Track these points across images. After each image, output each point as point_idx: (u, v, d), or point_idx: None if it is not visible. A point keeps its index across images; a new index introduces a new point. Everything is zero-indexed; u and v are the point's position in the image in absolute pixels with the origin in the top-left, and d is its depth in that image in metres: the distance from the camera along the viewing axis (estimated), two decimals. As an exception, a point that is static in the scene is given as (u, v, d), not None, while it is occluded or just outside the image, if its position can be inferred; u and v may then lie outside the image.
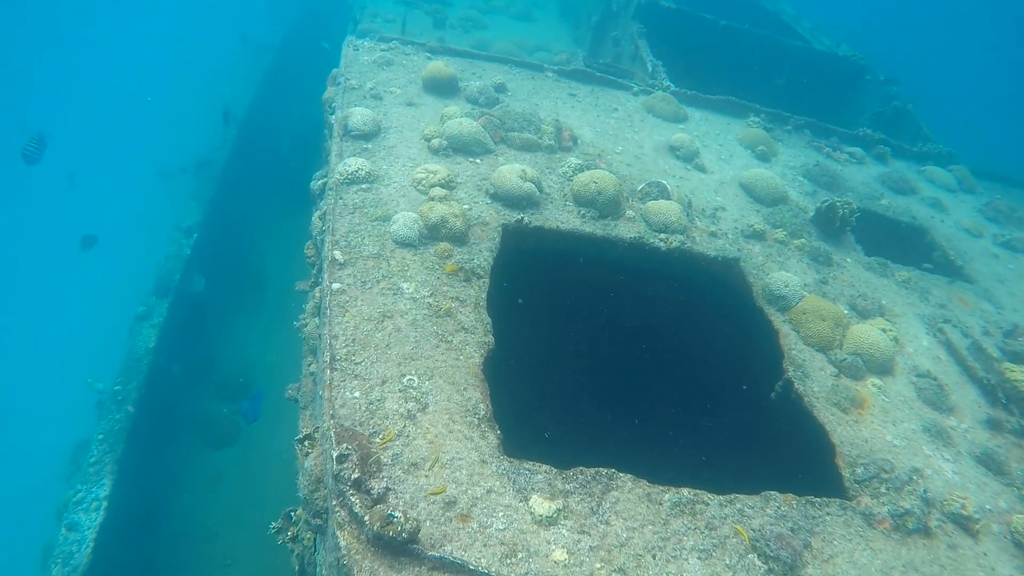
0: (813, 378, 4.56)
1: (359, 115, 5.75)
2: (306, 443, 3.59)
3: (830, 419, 4.25)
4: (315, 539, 3.65)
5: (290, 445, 4.17)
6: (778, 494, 3.62)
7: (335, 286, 4.14)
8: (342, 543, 2.91)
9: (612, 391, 5.45)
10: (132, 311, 9.68)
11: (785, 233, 6.05)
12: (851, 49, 11.45)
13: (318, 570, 3.54)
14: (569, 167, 5.93)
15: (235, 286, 12.46)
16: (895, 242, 6.80)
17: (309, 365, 4.81)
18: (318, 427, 3.68)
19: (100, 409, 8.23)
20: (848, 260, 6.05)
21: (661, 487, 3.50)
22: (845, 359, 4.70)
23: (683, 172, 6.69)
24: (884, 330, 5.00)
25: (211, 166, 13.03)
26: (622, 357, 5.64)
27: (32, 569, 7.04)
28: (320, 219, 4.94)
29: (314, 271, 5.21)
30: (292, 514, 4.42)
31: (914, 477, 3.84)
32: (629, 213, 5.61)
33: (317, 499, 3.30)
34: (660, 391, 5.54)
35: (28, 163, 7.34)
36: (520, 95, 7.23)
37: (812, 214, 6.40)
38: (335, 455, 3.08)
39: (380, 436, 3.31)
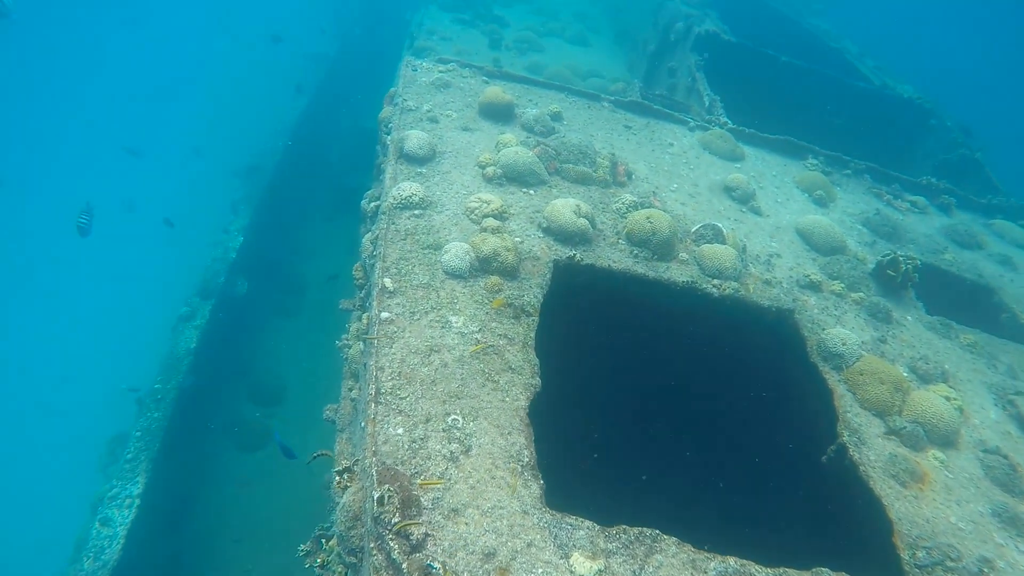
0: (869, 445, 4.34)
1: (415, 139, 5.75)
2: (345, 476, 3.54)
3: (887, 492, 4.03)
4: (347, 573, 3.59)
5: (319, 457, 4.15)
6: (830, 573, 3.42)
7: (384, 315, 4.11)
8: (378, 590, 2.84)
9: (658, 442, 5.29)
10: (177, 310, 9.88)
11: (842, 285, 5.83)
12: (916, 91, 11.13)
13: (348, 608, 3.48)
14: (623, 204, 5.84)
15: (275, 291, 12.66)
16: (959, 301, 6.51)
17: (350, 389, 4.78)
18: (358, 460, 3.63)
19: (140, 406, 8.38)
20: (908, 318, 5.80)
21: (706, 554, 3.34)
22: (905, 427, 4.47)
23: (738, 214, 6.52)
24: (948, 398, 4.75)
25: (261, 172, 13.31)
26: (669, 406, 5.48)
27: (64, 560, 7.13)
28: (372, 243, 4.94)
29: (361, 293, 5.21)
30: (323, 540, 4.39)
31: (984, 569, 3.60)
32: (682, 255, 5.48)
33: (353, 537, 3.24)
34: (707, 444, 5.36)
35: (82, 235, 8.05)
36: (575, 125, 7.18)
37: (872, 267, 6.16)
38: (376, 496, 3.02)
39: (423, 477, 3.25)
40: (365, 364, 4.03)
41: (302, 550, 4.60)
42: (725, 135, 7.75)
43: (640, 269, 5.21)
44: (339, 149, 15.66)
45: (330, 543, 3.77)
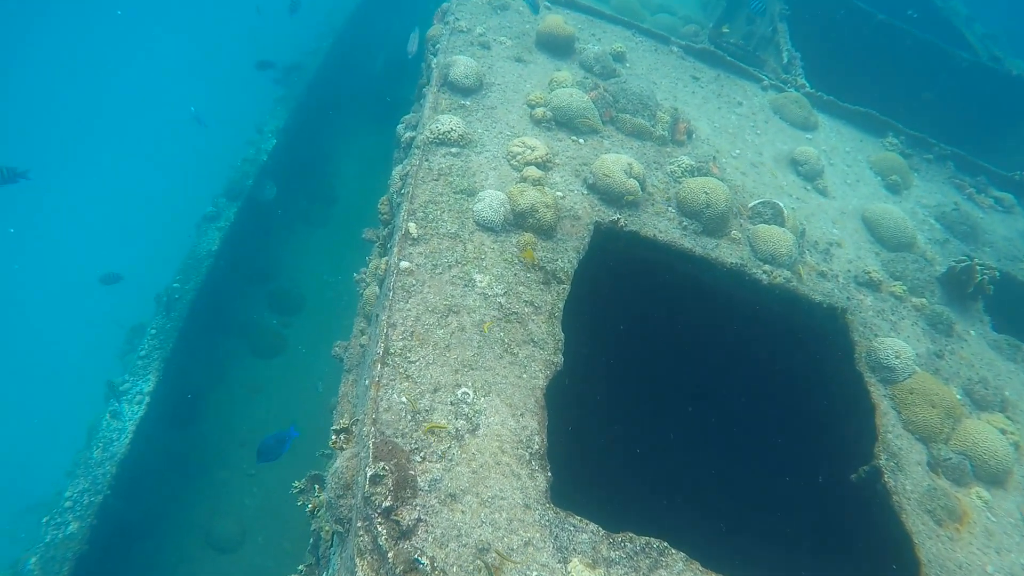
0: (907, 473, 4.00)
1: (462, 66, 5.23)
2: (342, 436, 3.32)
3: (920, 528, 3.71)
4: (333, 536, 3.44)
5: (326, 377, 3.91)
6: (846, 612, 3.17)
7: (403, 264, 3.78)
8: (359, 573, 2.65)
9: (679, 440, 5.00)
10: (201, 209, 9.67)
11: (904, 288, 5.32)
12: None
13: (331, 570, 3.34)
14: (679, 167, 5.31)
15: (304, 199, 12.37)
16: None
17: (362, 332, 4.52)
18: (357, 420, 3.40)
19: (157, 303, 8.32)
20: (972, 333, 5.30)
21: (714, 575, 3.10)
22: (950, 458, 4.10)
23: (802, 192, 5.94)
24: (1003, 431, 4.35)
25: (302, 72, 12.71)
26: (697, 400, 5.14)
27: (77, 447, 7.30)
28: (401, 178, 4.54)
29: (384, 231, 4.86)
30: (316, 487, 4.26)
31: (1015, 637, 3.31)
32: (735, 233, 5.00)
33: (342, 506, 3.05)
34: (732, 446, 5.05)
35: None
36: (638, 69, 6.52)
37: (941, 270, 5.61)
38: (369, 474, 2.78)
39: (429, 421, 3.05)
40: (377, 315, 3.74)
41: (296, 487, 4.50)
42: (800, 100, 7.01)
43: (687, 243, 4.76)
44: (386, 58, 14.89)
45: (323, 496, 3.61)
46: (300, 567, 4.27)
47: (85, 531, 6.17)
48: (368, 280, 4.80)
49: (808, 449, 4.57)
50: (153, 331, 7.86)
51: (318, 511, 3.89)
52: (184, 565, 7.55)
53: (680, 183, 5.16)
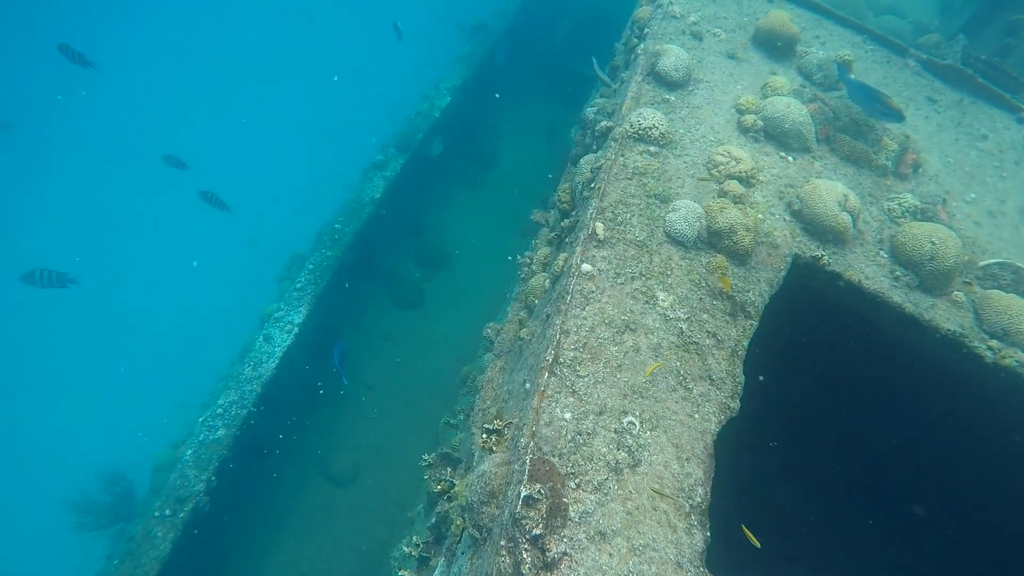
0: None
1: (673, 57, 4.81)
2: (493, 437, 3.19)
3: None
4: (463, 533, 3.35)
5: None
6: None
7: (585, 267, 3.54)
8: (497, 595, 2.52)
9: (857, 525, 4.43)
10: (372, 156, 10.02)
11: None
12: None
13: (457, 570, 3.26)
14: (900, 206, 4.60)
15: (466, 159, 12.51)
16: None
17: (520, 321, 4.37)
18: (511, 424, 3.25)
19: (318, 240, 8.77)
20: None
21: None
22: None
23: (1048, 257, 4.98)
24: None
25: (486, 32, 12.70)
26: (883, 481, 4.52)
27: (229, 361, 7.95)
28: (592, 170, 4.27)
29: (563, 221, 4.64)
30: (448, 471, 4.22)
31: None
32: (957, 295, 4.26)
33: (484, 514, 2.92)
34: (915, 551, 4.40)
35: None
36: (865, 81, 5.72)
37: None
38: (523, 494, 2.61)
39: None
40: (548, 316, 3.54)
41: (426, 460, 4.50)
42: (1062, 143, 5.86)
43: (896, 297, 4.12)
44: (568, 26, 14.56)
45: (456, 488, 3.52)
46: (416, 539, 4.29)
47: (229, 439, 6.70)
48: (535, 268, 4.63)
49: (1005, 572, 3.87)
50: (311, 266, 8.30)
51: (448, 494, 3.83)
52: (302, 490, 8.05)
53: (899, 224, 4.48)
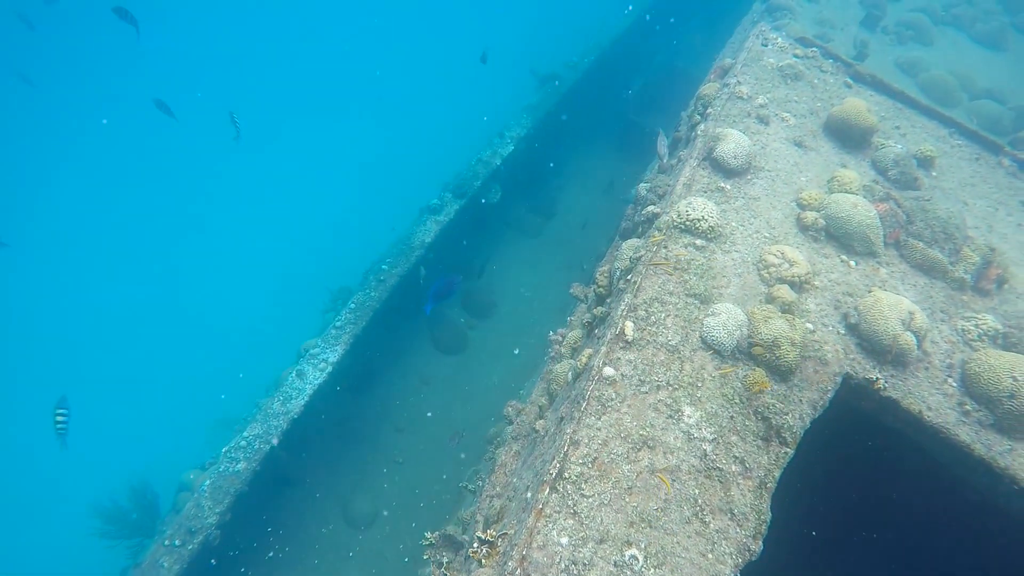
0: None
1: (733, 143, 4.56)
2: (484, 549, 2.95)
3: None
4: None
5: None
6: None
7: (607, 371, 3.29)
8: None
9: None
10: (426, 198, 10.07)
11: None
12: None
13: None
14: (978, 328, 4.14)
15: (523, 208, 12.46)
16: None
17: (541, 408, 4.13)
18: (505, 535, 3.00)
19: (364, 280, 8.81)
20: None
21: None
22: None
23: None
24: None
25: (558, 83, 12.75)
26: None
27: (262, 392, 8.01)
28: (632, 260, 4.05)
29: (596, 308, 4.41)
30: (444, 558, 3.99)
31: None
32: (1038, 438, 3.75)
33: (463, 640, 2.67)
34: None
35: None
36: (947, 181, 5.30)
37: None
38: (502, 636, 2.36)
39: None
40: (562, 419, 3.31)
41: (427, 539, 4.28)
42: None
43: (964, 435, 3.66)
44: (641, 82, 14.48)
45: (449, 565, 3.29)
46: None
47: (249, 473, 6.66)
48: (564, 352, 4.40)
49: None
50: (353, 305, 8.31)
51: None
52: (318, 529, 7.95)
53: (974, 350, 4.02)
